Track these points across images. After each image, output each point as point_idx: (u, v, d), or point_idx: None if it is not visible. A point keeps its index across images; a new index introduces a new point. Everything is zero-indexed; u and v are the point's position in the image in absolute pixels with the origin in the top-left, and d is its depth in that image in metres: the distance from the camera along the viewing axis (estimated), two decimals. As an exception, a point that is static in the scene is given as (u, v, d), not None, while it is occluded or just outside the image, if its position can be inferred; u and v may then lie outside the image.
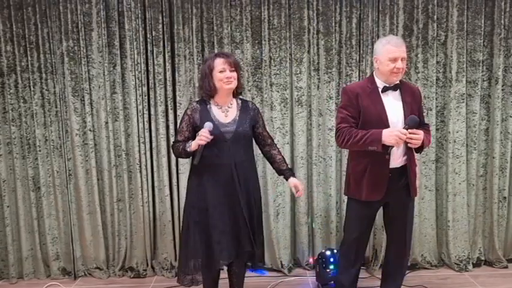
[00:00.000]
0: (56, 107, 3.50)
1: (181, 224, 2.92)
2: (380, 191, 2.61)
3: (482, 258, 3.69)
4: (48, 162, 3.54)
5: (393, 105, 2.60)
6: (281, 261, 3.62)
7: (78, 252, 3.64)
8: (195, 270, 2.66)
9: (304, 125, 3.55)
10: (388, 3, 3.43)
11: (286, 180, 2.80)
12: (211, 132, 2.49)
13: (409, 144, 2.53)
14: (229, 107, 2.66)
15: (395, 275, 2.90)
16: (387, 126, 2.55)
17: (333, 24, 3.45)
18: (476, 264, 3.66)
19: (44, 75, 3.45)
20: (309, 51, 3.50)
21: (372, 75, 2.70)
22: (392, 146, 2.47)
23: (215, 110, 2.63)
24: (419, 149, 2.63)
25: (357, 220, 2.76)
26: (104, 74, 3.46)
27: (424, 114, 3.51)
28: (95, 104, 3.50)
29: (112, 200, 3.59)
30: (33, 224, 3.56)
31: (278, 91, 3.51)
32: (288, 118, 3.54)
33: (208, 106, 2.63)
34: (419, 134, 2.48)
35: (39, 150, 3.49)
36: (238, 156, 2.61)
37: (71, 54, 3.44)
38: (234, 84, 2.59)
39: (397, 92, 2.63)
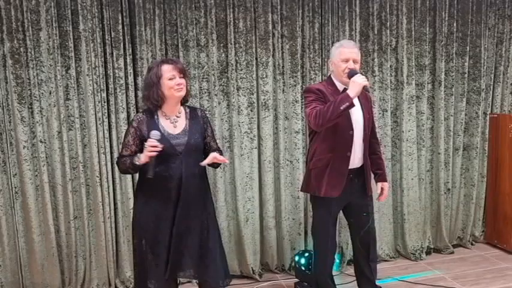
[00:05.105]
0: (-2, 117, 3.08)
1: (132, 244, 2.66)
2: (339, 188, 2.71)
3: (432, 246, 4.02)
4: (-12, 180, 3.09)
5: (354, 107, 2.69)
6: (252, 267, 3.57)
7: (27, 280, 3.24)
8: None
9: (271, 129, 3.54)
10: (347, 10, 3.58)
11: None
12: (160, 142, 2.32)
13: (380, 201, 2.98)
14: (177, 117, 2.50)
15: (367, 271, 3.02)
16: (351, 127, 2.69)
17: (297, 28, 3.50)
18: (427, 253, 3.97)
19: (-19, 80, 3.01)
20: (273, 55, 3.50)
21: (329, 78, 2.80)
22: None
23: (163, 121, 2.46)
24: None
25: (323, 219, 2.85)
26: (55, 79, 3.11)
27: (380, 115, 3.75)
28: (45, 111, 3.14)
29: (68, 218, 3.25)
30: (-29, 253, 3.08)
31: (245, 95, 3.47)
32: (255, 122, 3.51)
33: (155, 117, 2.46)
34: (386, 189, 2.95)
35: (-22, 167, 3.04)
36: (189, 170, 2.44)
37: (16, 56, 3.04)
38: (183, 92, 2.46)
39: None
